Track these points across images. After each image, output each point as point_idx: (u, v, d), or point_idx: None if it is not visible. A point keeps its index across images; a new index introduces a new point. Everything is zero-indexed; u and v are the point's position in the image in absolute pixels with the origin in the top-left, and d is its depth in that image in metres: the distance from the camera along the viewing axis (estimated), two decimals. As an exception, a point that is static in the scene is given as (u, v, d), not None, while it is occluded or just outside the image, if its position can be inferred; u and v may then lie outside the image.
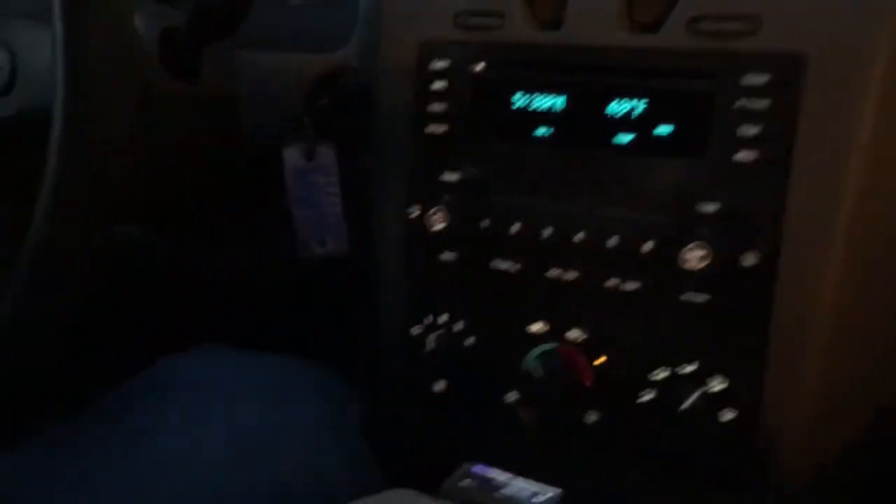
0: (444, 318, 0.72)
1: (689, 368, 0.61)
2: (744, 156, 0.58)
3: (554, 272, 0.66)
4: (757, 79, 0.58)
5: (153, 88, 0.74)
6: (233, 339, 0.84)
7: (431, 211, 0.69)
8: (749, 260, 0.58)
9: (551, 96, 0.66)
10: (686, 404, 0.60)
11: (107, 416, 0.75)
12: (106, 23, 0.60)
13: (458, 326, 0.71)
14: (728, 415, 0.60)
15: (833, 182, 0.56)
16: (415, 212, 0.71)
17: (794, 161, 0.57)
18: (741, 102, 0.58)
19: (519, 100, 0.67)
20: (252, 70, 0.85)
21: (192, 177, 0.84)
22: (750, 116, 0.58)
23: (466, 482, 0.60)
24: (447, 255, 0.71)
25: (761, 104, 0.58)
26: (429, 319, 0.72)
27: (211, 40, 0.79)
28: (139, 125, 0.64)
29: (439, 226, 0.68)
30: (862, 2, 0.55)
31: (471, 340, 0.70)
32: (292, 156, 0.83)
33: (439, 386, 0.73)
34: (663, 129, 0.62)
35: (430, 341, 0.71)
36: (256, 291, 1.01)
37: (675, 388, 0.61)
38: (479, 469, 0.69)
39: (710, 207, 0.59)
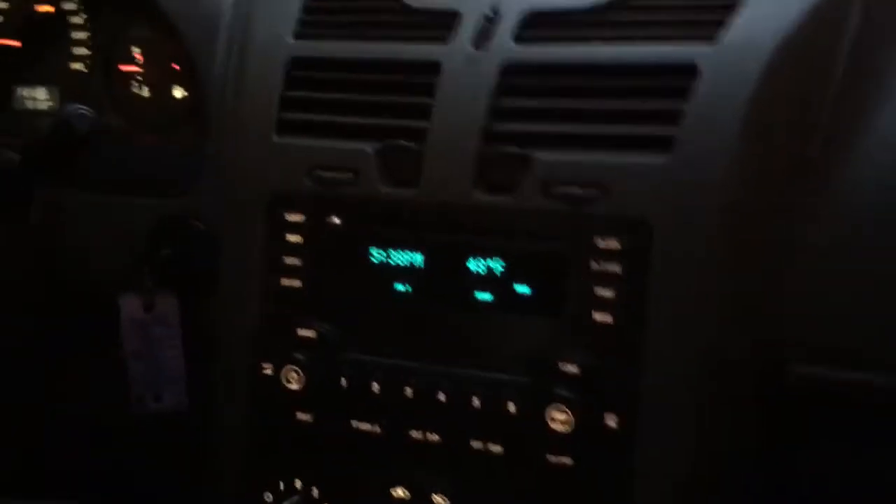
0: (297, 483, 0.67)
1: (557, 533, 0.60)
2: (600, 317, 0.60)
3: (416, 434, 0.64)
4: (608, 243, 0.60)
5: None
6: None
7: (285, 369, 0.65)
8: (610, 421, 0.59)
9: (409, 252, 0.65)
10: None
11: None
12: None
13: (314, 493, 0.66)
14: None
15: (684, 340, 0.59)
16: (267, 370, 0.67)
17: (648, 322, 0.59)
18: (595, 265, 0.60)
19: (377, 255, 0.66)
20: (88, 213, 0.79)
21: (15, 320, 0.77)
22: (604, 279, 0.60)
23: None
24: (303, 416, 0.67)
25: (614, 267, 0.60)
26: (280, 486, 0.67)
27: (42, 180, 0.74)
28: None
29: (294, 385, 0.65)
30: (696, 172, 0.59)
31: (327, 509, 0.66)
32: (129, 306, 0.77)
33: (292, 561, 0.68)
34: (522, 289, 0.63)
35: (283, 511, 0.66)
36: (87, 445, 0.92)
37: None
38: None
39: (570, 367, 0.60)
